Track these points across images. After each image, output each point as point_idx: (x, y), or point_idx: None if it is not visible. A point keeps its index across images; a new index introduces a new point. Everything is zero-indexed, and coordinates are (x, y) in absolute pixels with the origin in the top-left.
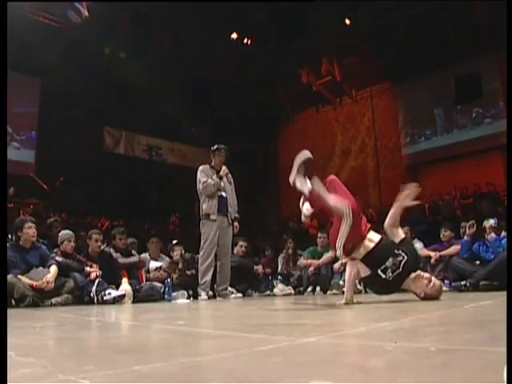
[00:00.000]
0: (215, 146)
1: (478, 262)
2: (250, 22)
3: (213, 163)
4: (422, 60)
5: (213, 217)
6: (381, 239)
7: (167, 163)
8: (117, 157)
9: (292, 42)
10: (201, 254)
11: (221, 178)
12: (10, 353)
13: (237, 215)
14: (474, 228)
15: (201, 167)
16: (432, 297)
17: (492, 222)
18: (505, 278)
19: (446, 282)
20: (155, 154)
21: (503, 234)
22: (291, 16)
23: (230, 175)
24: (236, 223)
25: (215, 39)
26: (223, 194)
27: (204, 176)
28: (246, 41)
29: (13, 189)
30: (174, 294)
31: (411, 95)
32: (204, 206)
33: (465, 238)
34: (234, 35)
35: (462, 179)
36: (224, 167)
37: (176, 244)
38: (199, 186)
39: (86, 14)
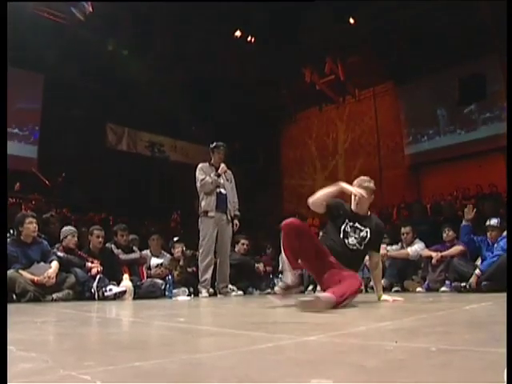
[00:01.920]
0: (214, 144)
1: (478, 263)
2: (253, 21)
3: (212, 161)
4: (425, 60)
5: (211, 214)
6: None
7: (169, 160)
8: (119, 153)
9: (295, 41)
10: (200, 251)
11: (219, 175)
12: (10, 347)
13: (237, 213)
14: (473, 213)
15: (199, 165)
16: None
17: (494, 221)
18: (505, 280)
19: (446, 282)
20: (157, 150)
21: (504, 233)
22: (294, 15)
23: (229, 172)
24: (236, 221)
25: (218, 38)
26: (222, 190)
27: (202, 174)
28: (249, 39)
29: (19, 184)
30: (174, 290)
31: (414, 95)
32: (202, 204)
33: (463, 222)
34: (238, 33)
35: (464, 180)
36: (222, 165)
37: (177, 241)
38: (197, 184)
39: (90, 9)
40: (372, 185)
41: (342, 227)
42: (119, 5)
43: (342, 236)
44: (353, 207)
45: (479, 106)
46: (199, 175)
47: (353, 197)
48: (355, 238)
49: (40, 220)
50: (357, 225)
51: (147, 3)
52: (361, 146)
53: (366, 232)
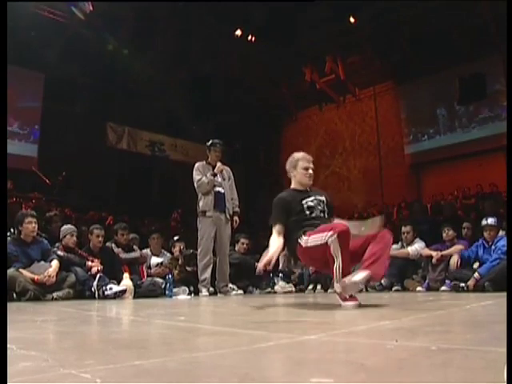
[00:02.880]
0: (210, 142)
1: (476, 266)
2: (253, 20)
3: (209, 159)
4: (425, 60)
5: (209, 213)
6: None
7: (170, 159)
8: (119, 152)
9: (295, 40)
10: (199, 250)
11: (215, 175)
12: (11, 346)
13: (237, 209)
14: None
15: (196, 164)
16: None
17: (491, 220)
18: (505, 284)
19: (446, 281)
20: (158, 149)
21: (501, 233)
22: (294, 14)
23: (228, 170)
24: (236, 217)
25: (219, 37)
26: (220, 189)
27: (199, 174)
28: (250, 38)
29: (11, 182)
30: (175, 289)
31: (415, 95)
32: (200, 203)
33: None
34: (238, 32)
35: (464, 179)
36: (218, 164)
37: (177, 240)
38: (194, 185)
39: (91, 8)
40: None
41: (305, 205)
42: (120, 4)
43: (308, 213)
44: (297, 186)
45: (479, 106)
46: (195, 175)
47: (293, 179)
48: (319, 209)
49: (43, 218)
50: (316, 197)
51: (147, 2)
52: (361, 146)
53: (323, 199)
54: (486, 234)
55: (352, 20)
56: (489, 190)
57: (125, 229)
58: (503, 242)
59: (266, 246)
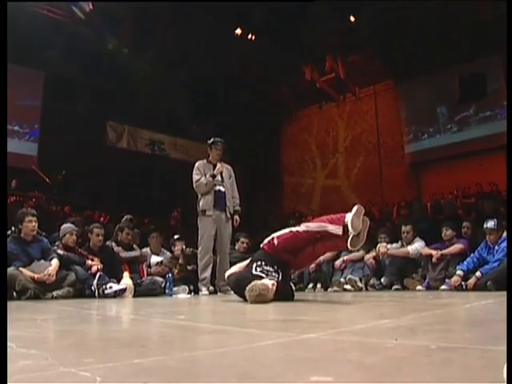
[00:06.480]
0: (211, 140)
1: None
2: (253, 19)
3: (210, 157)
4: (425, 59)
5: (209, 212)
6: None
7: (169, 158)
8: (119, 151)
9: (296, 39)
10: (199, 250)
11: (214, 176)
12: (11, 344)
13: (238, 208)
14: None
15: (197, 163)
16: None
17: (491, 223)
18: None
19: (446, 281)
20: (158, 148)
21: (505, 234)
22: (295, 13)
23: (229, 168)
24: (236, 216)
25: (219, 35)
26: (221, 188)
27: (198, 174)
28: (250, 36)
29: (15, 181)
30: (174, 288)
31: (415, 94)
32: (200, 202)
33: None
34: (238, 31)
35: (464, 178)
36: (218, 165)
37: (177, 239)
38: (193, 184)
39: (91, 7)
40: None
41: None
42: (120, 3)
43: None
44: None
45: (479, 105)
46: (194, 175)
47: None
48: None
49: (46, 218)
50: None
51: (147, 2)
52: (361, 145)
53: None
54: (487, 237)
55: (352, 19)
56: (489, 190)
57: (132, 228)
58: (506, 243)
59: None
